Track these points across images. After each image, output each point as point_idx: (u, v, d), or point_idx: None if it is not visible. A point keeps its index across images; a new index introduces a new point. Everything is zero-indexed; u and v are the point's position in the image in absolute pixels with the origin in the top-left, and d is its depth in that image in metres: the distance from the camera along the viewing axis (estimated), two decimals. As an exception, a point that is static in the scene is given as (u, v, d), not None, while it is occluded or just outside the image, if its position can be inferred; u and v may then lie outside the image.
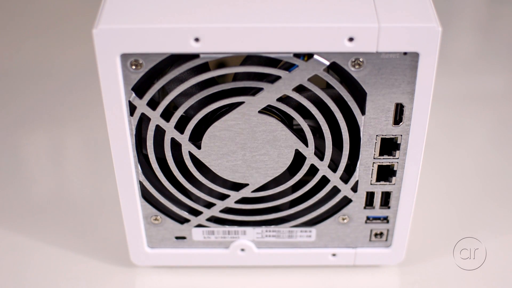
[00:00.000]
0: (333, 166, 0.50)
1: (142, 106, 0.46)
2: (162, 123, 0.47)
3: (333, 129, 0.47)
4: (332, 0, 0.44)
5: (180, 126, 0.47)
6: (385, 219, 0.53)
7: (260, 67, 0.44)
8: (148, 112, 0.46)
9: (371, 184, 0.50)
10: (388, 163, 0.49)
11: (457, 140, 0.74)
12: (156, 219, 0.53)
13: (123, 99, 0.45)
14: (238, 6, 0.43)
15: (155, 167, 0.49)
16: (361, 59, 0.43)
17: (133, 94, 0.45)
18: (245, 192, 0.51)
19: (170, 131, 0.47)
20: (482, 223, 0.62)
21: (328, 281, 0.56)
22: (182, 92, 0.45)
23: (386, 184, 0.50)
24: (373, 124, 0.47)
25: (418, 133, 0.47)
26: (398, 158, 0.49)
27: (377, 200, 0.52)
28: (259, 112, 0.46)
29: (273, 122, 0.47)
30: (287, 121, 0.48)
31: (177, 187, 0.51)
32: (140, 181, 0.50)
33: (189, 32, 0.42)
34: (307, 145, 0.48)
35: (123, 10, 0.43)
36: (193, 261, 0.56)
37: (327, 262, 0.56)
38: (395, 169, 0.49)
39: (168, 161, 0.49)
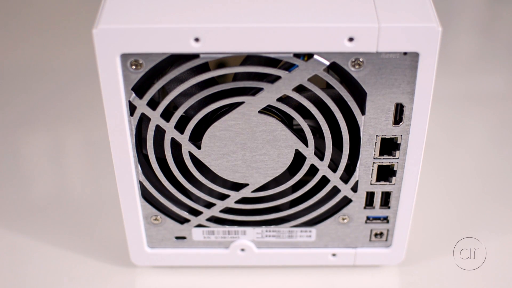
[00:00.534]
0: (333, 166, 0.50)
1: (142, 106, 0.46)
2: (162, 123, 0.47)
3: (333, 129, 0.47)
4: (332, 0, 0.44)
5: (180, 126, 0.47)
6: (385, 219, 0.53)
7: (260, 67, 0.44)
8: (148, 112, 0.46)
9: (371, 184, 0.51)
10: (388, 163, 0.49)
11: (457, 140, 0.74)
12: (156, 219, 0.53)
13: (123, 99, 0.45)
14: (238, 6, 0.43)
15: (155, 167, 0.49)
16: (361, 59, 0.43)
17: (133, 94, 0.45)
18: (245, 192, 0.51)
19: (170, 131, 0.47)
20: (482, 223, 0.62)
21: (328, 281, 0.56)
22: (182, 92, 0.45)
23: (386, 184, 0.50)
24: (373, 124, 0.47)
25: (418, 133, 0.47)
26: (398, 158, 0.49)
27: (377, 200, 0.52)
28: (259, 112, 0.46)
29: (273, 122, 0.47)
30: (287, 121, 0.48)
31: (177, 187, 0.51)
32: (140, 181, 0.50)
33: (189, 32, 0.42)
34: (307, 145, 0.48)
35: (123, 10, 0.43)
36: (193, 261, 0.56)
37: (327, 262, 0.56)
38: (395, 169, 0.49)
39: (168, 161, 0.49)
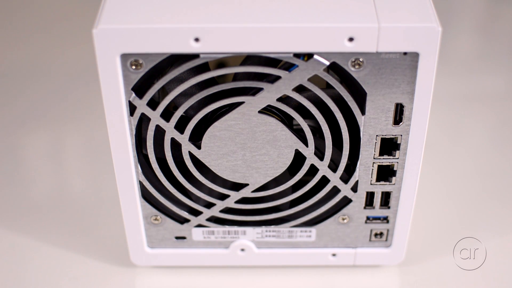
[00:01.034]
0: (333, 166, 0.50)
1: (142, 106, 0.46)
2: (162, 123, 0.47)
3: (333, 129, 0.47)
4: (332, 0, 0.44)
5: (180, 126, 0.47)
6: (385, 219, 0.53)
7: (260, 67, 0.44)
8: (148, 112, 0.46)
9: (371, 184, 0.51)
10: (388, 163, 0.49)
11: (457, 140, 0.74)
12: (156, 219, 0.53)
13: (123, 99, 0.45)
14: (238, 6, 0.43)
15: (155, 167, 0.49)
16: (361, 59, 0.43)
17: (133, 94, 0.45)
18: (245, 192, 0.51)
19: (170, 131, 0.47)
20: (482, 223, 0.62)
21: (328, 281, 0.56)
22: (182, 92, 0.45)
23: (386, 184, 0.50)
24: (373, 124, 0.47)
25: (418, 133, 0.47)
26: (398, 158, 0.49)
27: (377, 200, 0.52)
28: (259, 112, 0.46)
29: (273, 122, 0.47)
30: (287, 121, 0.48)
31: (177, 187, 0.51)
32: (140, 181, 0.50)
33: (189, 32, 0.42)
34: (307, 145, 0.48)
35: (123, 10, 0.43)
36: (193, 261, 0.56)
37: (327, 262, 0.56)
38: (395, 169, 0.49)
39: (168, 161, 0.49)
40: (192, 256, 0.56)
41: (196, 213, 0.53)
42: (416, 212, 0.55)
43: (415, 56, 0.43)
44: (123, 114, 0.46)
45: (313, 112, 0.46)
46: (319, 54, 0.43)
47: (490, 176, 0.68)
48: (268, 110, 0.47)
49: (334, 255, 0.55)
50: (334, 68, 0.45)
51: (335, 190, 0.51)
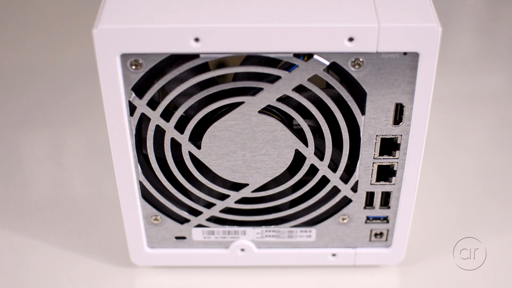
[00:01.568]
0: (333, 166, 0.50)
1: (142, 106, 0.46)
2: (162, 123, 0.47)
3: (333, 129, 0.47)
4: (332, 0, 0.44)
5: (180, 126, 0.47)
6: (385, 219, 0.53)
7: (260, 67, 0.44)
8: (148, 112, 0.46)
9: (371, 184, 0.50)
10: (388, 163, 0.49)
11: (457, 140, 0.74)
12: (156, 219, 0.53)
13: (123, 99, 0.45)
14: (238, 6, 0.43)
15: (155, 167, 0.49)
16: (361, 59, 0.43)
17: (133, 94, 0.45)
18: (245, 192, 0.51)
19: (170, 131, 0.47)
20: (482, 223, 0.62)
21: (328, 281, 0.56)
22: (182, 92, 0.45)
23: (386, 184, 0.50)
24: (373, 124, 0.47)
25: (418, 133, 0.47)
26: (398, 158, 0.49)
27: (377, 200, 0.52)
28: (259, 112, 0.46)
29: (273, 122, 0.47)
30: (287, 121, 0.48)
31: (177, 187, 0.51)
32: (140, 181, 0.50)
33: (189, 32, 0.42)
34: (307, 145, 0.48)
35: (123, 10, 0.43)
36: (193, 261, 0.56)
37: (327, 262, 0.56)
38: (395, 169, 0.49)
39: (168, 161, 0.49)
40: (192, 256, 0.56)
41: (196, 213, 0.53)
42: (416, 212, 0.55)
43: (415, 56, 0.43)
44: (123, 114, 0.46)
45: (313, 112, 0.46)
46: (319, 54, 0.43)
47: (490, 176, 0.68)
48: (268, 110, 0.47)
49: (334, 255, 0.55)
50: (334, 68, 0.45)
51: (335, 190, 0.51)
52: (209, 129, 0.47)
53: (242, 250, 0.55)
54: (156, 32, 0.42)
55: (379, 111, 0.46)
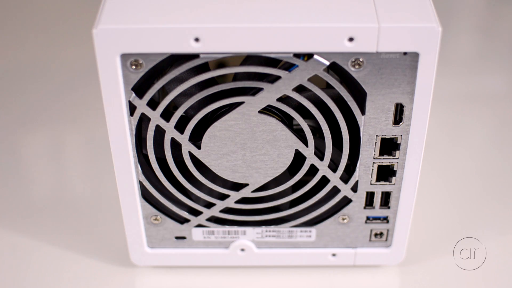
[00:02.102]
0: (333, 166, 0.50)
1: (142, 106, 0.46)
2: (162, 123, 0.47)
3: (333, 129, 0.47)
4: (332, 0, 0.44)
5: (180, 126, 0.47)
6: (385, 219, 0.53)
7: (260, 67, 0.44)
8: (148, 112, 0.46)
9: (371, 184, 0.51)
10: (388, 163, 0.49)
11: (457, 140, 0.74)
12: (156, 219, 0.53)
13: (123, 99, 0.45)
14: (238, 6, 0.43)
15: (155, 167, 0.49)
16: (361, 59, 0.43)
17: (133, 94, 0.45)
18: (245, 192, 0.51)
19: (170, 131, 0.47)
20: (482, 223, 0.62)
21: (328, 281, 0.56)
22: (182, 92, 0.45)
23: (386, 184, 0.50)
24: (373, 124, 0.47)
25: (418, 133, 0.47)
26: (398, 158, 0.49)
27: (377, 200, 0.52)
28: (259, 112, 0.46)
29: (273, 122, 0.47)
30: (287, 121, 0.48)
31: (177, 187, 0.51)
32: (140, 181, 0.50)
33: (189, 32, 0.42)
34: (307, 145, 0.48)
35: (123, 10, 0.43)
36: (193, 261, 0.56)
37: (327, 262, 0.56)
38: (395, 169, 0.49)
39: (168, 161, 0.49)
40: (192, 256, 0.56)
41: (196, 213, 0.53)
42: (416, 212, 0.55)
43: (415, 56, 0.43)
44: (123, 114, 0.46)
45: (313, 112, 0.46)
46: (319, 54, 0.43)
47: (490, 176, 0.68)
48: (268, 110, 0.47)
49: (334, 255, 0.55)
50: (334, 68, 0.45)
51: (335, 190, 0.51)
52: (209, 129, 0.47)
53: (242, 250, 0.55)
54: (156, 32, 0.42)
55: (379, 111, 0.46)
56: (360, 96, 0.46)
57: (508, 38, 0.96)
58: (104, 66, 0.43)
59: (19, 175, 0.69)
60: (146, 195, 0.51)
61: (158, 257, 0.55)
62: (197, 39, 0.42)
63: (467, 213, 0.63)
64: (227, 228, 0.54)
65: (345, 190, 0.51)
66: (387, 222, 0.53)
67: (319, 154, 0.49)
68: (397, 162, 0.49)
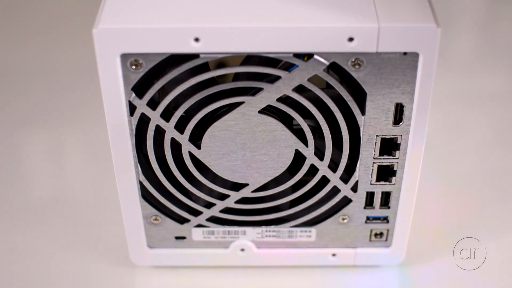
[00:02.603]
0: (333, 166, 0.50)
1: (142, 106, 0.46)
2: (162, 123, 0.47)
3: (333, 129, 0.47)
4: (332, 0, 0.44)
5: (180, 126, 0.47)
6: (385, 219, 0.53)
7: (260, 67, 0.44)
8: (148, 112, 0.46)
9: (371, 184, 0.50)
10: (388, 163, 0.49)
11: (457, 140, 0.74)
12: (156, 219, 0.53)
13: (123, 99, 0.45)
14: (238, 6, 0.43)
15: (155, 167, 0.49)
16: (361, 59, 0.43)
17: (133, 94, 0.45)
18: (245, 192, 0.51)
19: (170, 131, 0.47)
20: (482, 223, 0.62)
21: (328, 281, 0.56)
22: (182, 92, 0.45)
23: (386, 184, 0.50)
24: (373, 124, 0.47)
25: (418, 133, 0.47)
26: (398, 158, 0.49)
27: (377, 200, 0.52)
28: (259, 112, 0.46)
29: (273, 122, 0.47)
30: (287, 121, 0.48)
31: (177, 187, 0.51)
32: (140, 181, 0.50)
33: (189, 32, 0.42)
34: (307, 145, 0.48)
35: (123, 10, 0.43)
36: (193, 261, 0.56)
37: (327, 262, 0.56)
38: (395, 169, 0.49)
39: (168, 161, 0.49)
40: (192, 256, 0.56)
41: (196, 213, 0.53)
42: (416, 212, 0.55)
43: (415, 56, 0.43)
44: (123, 114, 0.46)
45: (313, 112, 0.46)
46: (319, 54, 0.43)
47: (490, 176, 0.68)
48: (268, 110, 0.47)
49: (334, 255, 0.55)
50: (334, 68, 0.45)
51: (335, 190, 0.51)
52: (209, 129, 0.47)
53: (242, 250, 0.55)
54: (156, 32, 0.42)
55: (379, 111, 0.46)
56: (360, 96, 0.46)
57: (508, 38, 0.96)
58: (104, 66, 0.43)
59: (19, 175, 0.69)
60: (146, 195, 0.51)
61: (158, 257, 0.55)
62: (197, 39, 0.42)
63: (467, 213, 0.63)
64: (227, 228, 0.54)
65: (345, 190, 0.51)
66: (387, 222, 0.53)
67: (319, 154, 0.49)
68: (397, 162, 0.49)
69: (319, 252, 0.55)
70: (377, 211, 0.52)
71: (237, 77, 0.47)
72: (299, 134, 0.48)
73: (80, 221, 0.62)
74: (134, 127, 0.47)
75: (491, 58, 0.91)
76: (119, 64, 0.43)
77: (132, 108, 0.46)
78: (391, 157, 0.49)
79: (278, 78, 0.45)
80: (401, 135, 0.47)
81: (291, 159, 0.49)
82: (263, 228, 0.54)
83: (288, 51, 0.43)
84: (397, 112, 0.46)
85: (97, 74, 0.44)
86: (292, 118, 0.48)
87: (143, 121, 0.47)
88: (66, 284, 0.56)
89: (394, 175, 0.50)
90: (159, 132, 0.47)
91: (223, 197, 0.51)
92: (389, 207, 0.52)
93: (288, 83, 0.45)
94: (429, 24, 0.42)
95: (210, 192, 0.52)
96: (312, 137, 0.48)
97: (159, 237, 0.54)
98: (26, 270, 0.57)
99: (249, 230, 0.54)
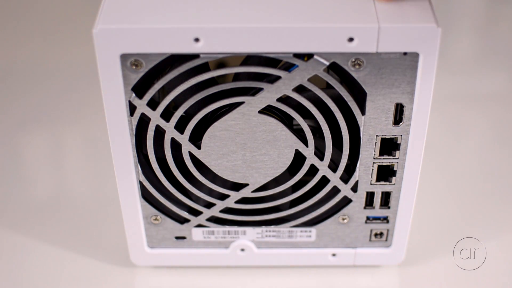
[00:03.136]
0: (333, 166, 0.50)
1: (142, 106, 0.46)
2: (162, 123, 0.47)
3: (333, 129, 0.47)
4: (332, 0, 0.44)
5: (180, 126, 0.47)
6: (385, 219, 0.53)
7: (260, 67, 0.44)
8: (148, 112, 0.46)
9: (371, 184, 0.51)
10: (388, 163, 0.49)
11: (457, 140, 0.74)
12: (156, 219, 0.53)
13: (123, 99, 0.45)
14: (238, 6, 0.43)
15: (155, 167, 0.49)
16: (361, 59, 0.43)
17: (133, 94, 0.45)
18: (245, 192, 0.51)
19: (170, 131, 0.47)
20: (482, 223, 0.62)
21: (328, 281, 0.56)
22: (182, 92, 0.45)
23: (386, 184, 0.50)
24: (373, 124, 0.47)
25: (418, 133, 0.47)
26: (398, 158, 0.49)
27: (377, 200, 0.52)
28: (259, 112, 0.46)
29: (273, 122, 0.47)
30: (287, 121, 0.48)
31: (177, 187, 0.51)
32: (140, 181, 0.50)
33: (189, 32, 0.42)
34: (307, 145, 0.48)
35: (123, 10, 0.43)
36: (193, 261, 0.56)
37: (327, 262, 0.56)
38: (395, 169, 0.49)
39: (168, 161, 0.49)
40: (192, 256, 0.56)
41: (196, 213, 0.53)
42: (416, 212, 0.55)
43: (415, 56, 0.43)
44: (123, 114, 0.46)
45: (313, 112, 0.46)
46: (319, 54, 0.43)
47: (490, 176, 0.68)
48: (268, 110, 0.47)
49: (334, 255, 0.55)
50: (334, 68, 0.45)
51: (335, 190, 0.51)
52: (209, 129, 0.47)
53: (242, 250, 0.55)
54: (156, 32, 0.42)
55: (379, 111, 0.46)
56: (360, 96, 0.46)
57: (508, 38, 0.96)
58: (104, 66, 0.43)
59: (19, 175, 0.69)
60: (146, 195, 0.51)
61: (158, 257, 0.55)
62: (197, 39, 0.42)
63: (467, 213, 0.63)
64: (227, 228, 0.54)
65: (345, 190, 0.51)
66: (387, 222, 0.53)
67: (319, 154, 0.49)
68: (397, 162, 0.49)
69: (319, 252, 0.55)
70: (377, 211, 0.52)
71: (237, 77, 0.47)
72: (299, 134, 0.48)
73: (80, 221, 0.62)
74: (134, 127, 0.47)
75: (491, 58, 0.91)
76: (119, 64, 0.43)
77: (132, 108, 0.46)
78: (391, 157, 0.49)
79: (278, 78, 0.45)
80: (401, 135, 0.47)
81: (291, 159, 0.49)
82: (263, 228, 0.54)
83: (288, 51, 0.43)
84: (397, 112, 0.46)
85: (97, 75, 0.44)
86: (292, 118, 0.48)
87: (143, 121, 0.47)
88: (66, 284, 0.56)
89: (394, 175, 0.50)
90: (159, 132, 0.48)
91: (223, 197, 0.51)
92: (389, 207, 0.52)
93: (288, 83, 0.45)
94: (429, 24, 0.42)
95: (210, 192, 0.52)
96: (312, 137, 0.48)
97: (159, 237, 0.54)
98: (26, 270, 0.57)
99: (249, 230, 0.54)
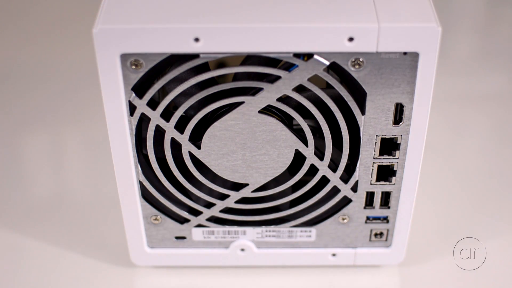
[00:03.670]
0: (333, 166, 0.50)
1: (142, 106, 0.46)
2: (162, 123, 0.47)
3: (333, 129, 0.47)
4: (332, 0, 0.44)
5: (180, 126, 0.47)
6: (385, 219, 0.53)
7: (260, 67, 0.44)
8: (148, 112, 0.46)
9: (371, 184, 0.51)
10: (388, 163, 0.49)
11: (457, 140, 0.74)
12: (156, 219, 0.53)
13: (123, 99, 0.45)
14: (238, 6, 0.43)
15: (155, 167, 0.49)
16: (361, 59, 0.43)
17: (133, 94, 0.45)
18: (245, 192, 0.51)
19: (170, 131, 0.47)
20: (482, 223, 0.62)
21: (328, 281, 0.56)
22: (182, 92, 0.46)
23: (386, 184, 0.50)
24: (373, 124, 0.47)
25: (418, 133, 0.47)
26: (398, 158, 0.49)
27: (377, 200, 0.52)
28: (259, 112, 0.46)
29: (273, 122, 0.47)
30: (287, 121, 0.48)
31: (177, 187, 0.51)
32: (140, 181, 0.50)
33: (189, 32, 0.42)
34: (307, 145, 0.48)
35: (123, 9, 0.43)
36: (193, 261, 0.56)
37: (327, 262, 0.56)
38: (395, 169, 0.49)
39: (168, 161, 0.49)
40: (192, 256, 0.56)
41: (196, 213, 0.53)
42: (416, 212, 0.55)
43: (415, 56, 0.43)
44: (123, 114, 0.46)
45: (313, 112, 0.46)
46: (319, 54, 0.43)
47: (490, 176, 0.68)
48: (268, 110, 0.47)
49: (334, 255, 0.55)
50: (334, 68, 0.45)
51: (335, 190, 0.51)
52: (209, 129, 0.47)
53: (242, 250, 0.55)
54: (156, 32, 0.42)
55: (379, 111, 0.46)
56: (360, 96, 0.46)
57: (508, 38, 0.96)
58: (104, 66, 0.43)
59: (19, 175, 0.69)
60: (146, 195, 0.52)
61: (158, 257, 0.55)
62: (197, 39, 0.42)
63: (467, 213, 0.63)
64: (227, 228, 0.54)
65: (345, 190, 0.51)
66: (387, 222, 0.53)
67: (319, 154, 0.49)
68: (397, 162, 0.49)
69: (319, 252, 0.55)
70: (377, 211, 0.52)
71: (237, 77, 0.47)
72: (299, 134, 0.48)
73: (80, 221, 0.62)
74: (134, 127, 0.47)
75: (491, 59, 0.91)
76: (119, 64, 0.43)
77: (132, 108, 0.46)
78: (391, 157, 0.49)
79: (278, 78, 0.45)
80: (401, 135, 0.47)
81: (291, 159, 0.49)
82: (263, 228, 0.54)
83: (288, 51, 0.43)
84: (397, 112, 0.46)
85: (97, 75, 0.44)
86: (292, 118, 0.48)
87: (143, 121, 0.47)
88: (66, 284, 0.56)
89: (394, 175, 0.50)
90: (159, 132, 0.48)
91: (223, 197, 0.51)
92: (389, 207, 0.52)
93: (288, 83, 0.45)
94: (429, 24, 0.42)
95: (210, 192, 0.52)
96: (312, 137, 0.48)
97: (159, 237, 0.54)
98: (26, 270, 0.57)
99: (249, 230, 0.54)
